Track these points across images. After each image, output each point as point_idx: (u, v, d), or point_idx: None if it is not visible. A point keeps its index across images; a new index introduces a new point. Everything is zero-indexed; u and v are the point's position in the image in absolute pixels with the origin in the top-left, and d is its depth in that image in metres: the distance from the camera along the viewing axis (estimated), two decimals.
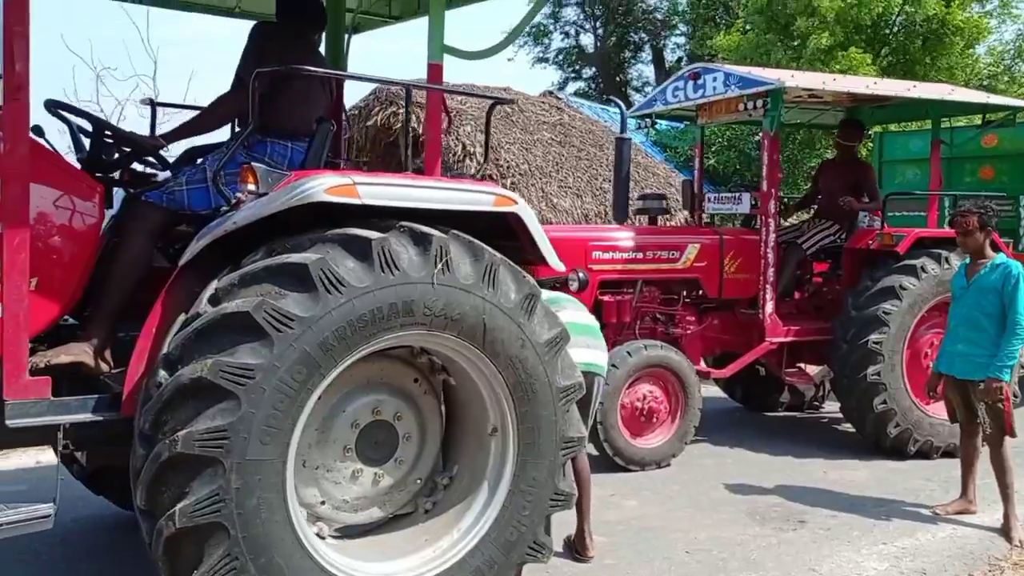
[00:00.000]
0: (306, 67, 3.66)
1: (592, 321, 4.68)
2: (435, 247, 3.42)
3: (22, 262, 3.23)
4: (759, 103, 6.94)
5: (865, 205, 7.70)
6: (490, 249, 3.60)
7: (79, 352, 3.52)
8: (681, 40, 31.21)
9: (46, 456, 6.52)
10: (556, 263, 3.94)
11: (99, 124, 4.02)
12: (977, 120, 8.30)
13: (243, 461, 3.06)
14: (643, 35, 33.58)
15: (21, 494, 5.49)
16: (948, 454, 7.06)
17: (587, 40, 34.84)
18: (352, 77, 4.04)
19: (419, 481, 3.85)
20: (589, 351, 4.49)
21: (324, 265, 3.18)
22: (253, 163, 3.49)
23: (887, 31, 18.39)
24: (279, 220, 3.41)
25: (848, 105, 8.46)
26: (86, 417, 3.35)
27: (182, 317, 3.31)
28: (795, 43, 17.38)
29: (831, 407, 8.95)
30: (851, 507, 5.82)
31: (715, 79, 7.17)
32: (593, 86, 34.72)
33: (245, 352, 3.07)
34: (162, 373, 3.14)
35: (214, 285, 3.27)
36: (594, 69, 34.49)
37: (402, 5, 5.22)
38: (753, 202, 7.29)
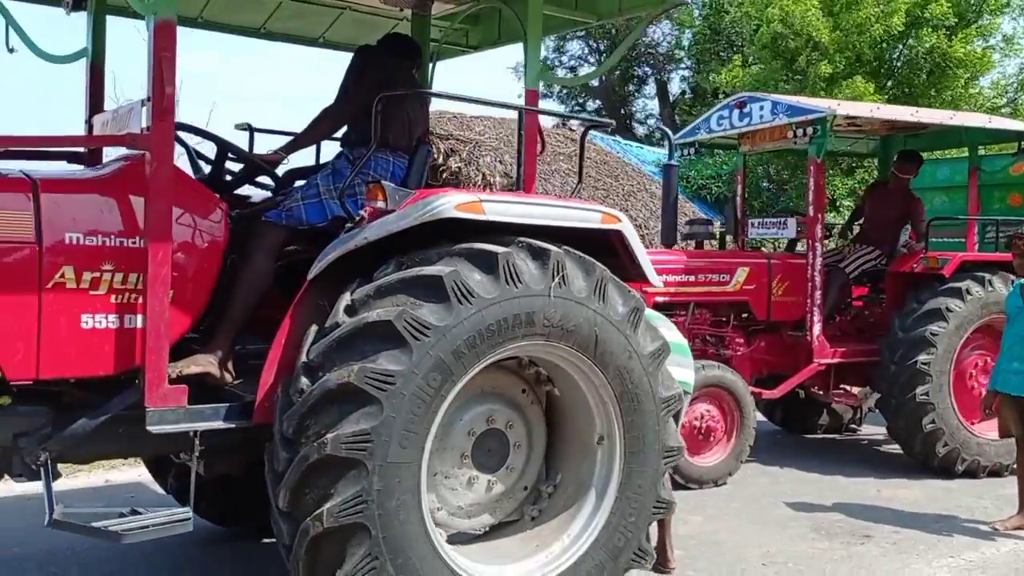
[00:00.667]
0: (430, 90, 3.86)
1: (682, 339, 4.82)
2: (552, 261, 3.58)
3: (164, 275, 3.38)
4: (808, 130, 7.14)
5: (919, 247, 7.75)
6: (600, 264, 3.76)
7: (206, 363, 3.66)
8: (686, 73, 31.66)
9: (112, 475, 6.62)
10: (655, 279, 4.10)
11: (224, 145, 4.19)
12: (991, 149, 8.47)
13: (384, 464, 3.20)
14: (647, 69, 34.02)
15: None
16: (994, 473, 7.19)
17: None
18: (470, 100, 4.20)
19: (525, 489, 3.98)
20: (680, 369, 4.62)
21: (457, 277, 3.34)
22: (382, 181, 3.65)
23: (890, 63, 18.87)
24: (396, 234, 3.57)
25: (883, 134, 8.68)
26: (220, 424, 3.49)
27: (314, 327, 3.46)
28: (797, 77, 17.86)
29: (867, 429, 9.11)
30: (912, 523, 5.94)
31: (762, 108, 7.39)
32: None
33: (386, 359, 3.21)
34: (304, 380, 3.28)
35: (348, 296, 3.42)
36: (598, 102, 35.00)
37: (481, 36, 5.42)
38: (799, 227, 7.48)
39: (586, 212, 3.85)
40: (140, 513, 3.36)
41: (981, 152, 10.13)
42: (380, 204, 3.56)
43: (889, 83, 18.72)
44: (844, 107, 7.20)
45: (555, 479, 4.03)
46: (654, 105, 33.54)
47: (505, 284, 3.44)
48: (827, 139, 7.17)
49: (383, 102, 3.75)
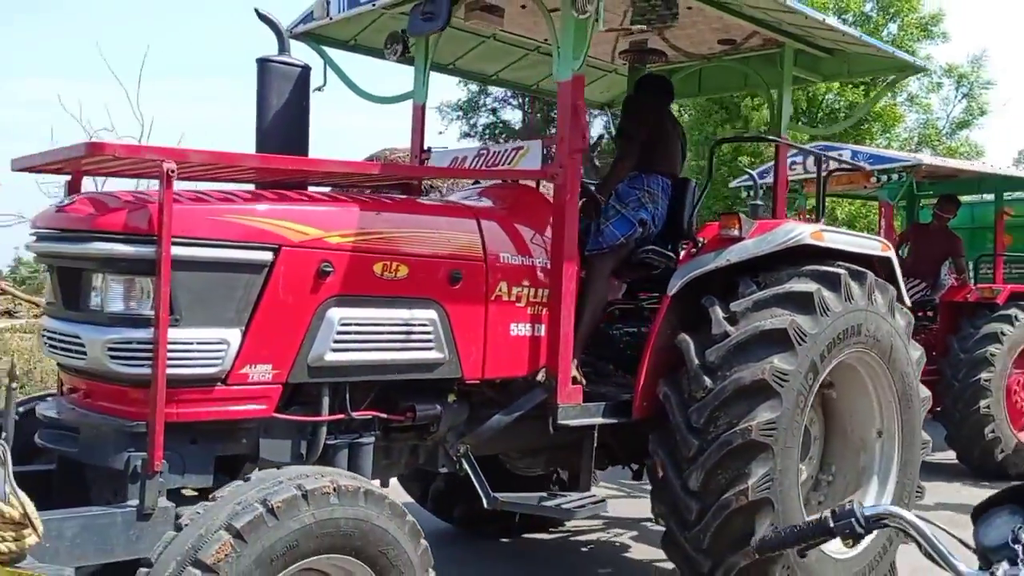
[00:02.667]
0: (770, 136, 4.53)
1: None
2: (868, 282, 4.31)
3: (572, 290, 3.93)
4: (884, 177, 8.14)
5: (964, 279, 8.94)
6: (890, 285, 4.51)
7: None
8: (605, 118, 32.83)
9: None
10: (908, 301, 4.87)
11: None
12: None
13: (784, 448, 3.83)
14: None
15: None
16: None
17: (510, 116, 36.43)
18: (757, 139, 4.88)
19: (812, 478, 4.65)
20: None
21: (821, 294, 4.02)
22: (738, 212, 4.29)
23: (813, 114, 20.80)
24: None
25: (916, 180, 9.83)
26: (605, 420, 4.03)
27: (686, 336, 4.05)
28: (738, 124, 19.45)
29: None
30: None
31: (841, 156, 8.34)
32: None
33: (780, 360, 3.86)
34: (706, 379, 3.87)
35: (719, 310, 4.03)
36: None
37: (680, 87, 6.07)
38: None
39: (874, 242, 4.61)
40: (557, 496, 3.87)
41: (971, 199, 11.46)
42: (734, 232, 4.20)
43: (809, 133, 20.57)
44: (928, 159, 8.23)
45: (830, 470, 4.72)
46: None
47: (845, 300, 4.15)
48: (903, 184, 8.19)
49: (715, 146, 4.41)
